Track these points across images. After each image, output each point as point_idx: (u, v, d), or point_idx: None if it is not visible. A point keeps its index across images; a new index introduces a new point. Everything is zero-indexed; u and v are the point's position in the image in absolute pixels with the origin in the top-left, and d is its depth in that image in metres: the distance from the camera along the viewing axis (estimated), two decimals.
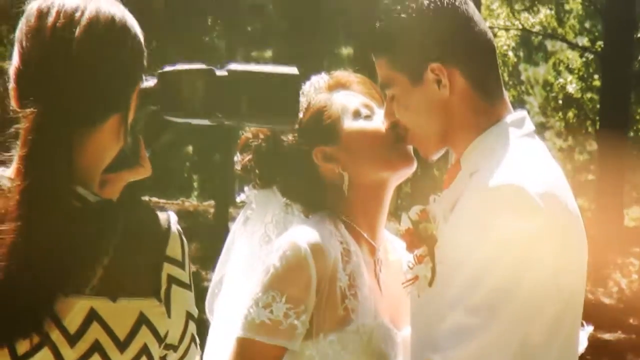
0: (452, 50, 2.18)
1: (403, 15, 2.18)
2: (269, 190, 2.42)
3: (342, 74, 2.47)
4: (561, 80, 21.87)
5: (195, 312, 1.75)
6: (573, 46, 19.82)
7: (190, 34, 16.12)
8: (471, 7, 2.22)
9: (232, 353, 2.22)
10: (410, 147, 2.35)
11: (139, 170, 1.88)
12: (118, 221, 1.67)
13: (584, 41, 20.59)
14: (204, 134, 19.71)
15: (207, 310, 2.42)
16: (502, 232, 2.01)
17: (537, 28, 21.04)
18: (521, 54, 23.09)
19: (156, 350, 1.70)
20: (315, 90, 2.42)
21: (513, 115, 2.21)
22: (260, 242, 2.42)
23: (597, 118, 18.73)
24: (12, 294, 1.60)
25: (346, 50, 22.82)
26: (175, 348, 1.73)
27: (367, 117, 2.37)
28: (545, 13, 20.51)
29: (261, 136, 2.39)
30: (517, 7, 20.77)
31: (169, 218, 1.72)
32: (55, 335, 1.63)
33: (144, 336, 1.67)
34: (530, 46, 23.61)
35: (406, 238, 2.24)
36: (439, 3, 2.18)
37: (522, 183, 2.04)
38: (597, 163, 17.67)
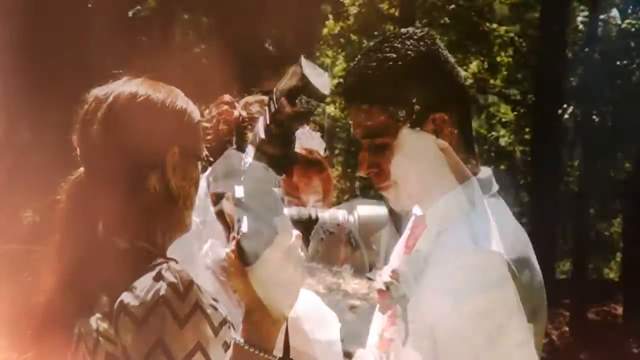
0: (450, 99, 2.10)
1: (399, 63, 2.06)
2: None
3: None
4: (494, 133, 22.05)
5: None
6: (505, 98, 19.97)
7: None
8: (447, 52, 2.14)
9: None
10: None
11: None
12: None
13: (515, 94, 20.79)
14: None
15: None
16: (478, 301, 1.97)
17: (469, 81, 21.19)
18: None
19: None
20: None
21: (482, 173, 2.15)
22: None
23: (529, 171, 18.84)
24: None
25: None
26: None
27: None
28: (476, 65, 20.63)
29: None
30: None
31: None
32: None
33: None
34: None
35: (379, 300, 2.21)
36: (423, 48, 2.08)
37: (499, 249, 1.98)
38: (529, 215, 17.75)
